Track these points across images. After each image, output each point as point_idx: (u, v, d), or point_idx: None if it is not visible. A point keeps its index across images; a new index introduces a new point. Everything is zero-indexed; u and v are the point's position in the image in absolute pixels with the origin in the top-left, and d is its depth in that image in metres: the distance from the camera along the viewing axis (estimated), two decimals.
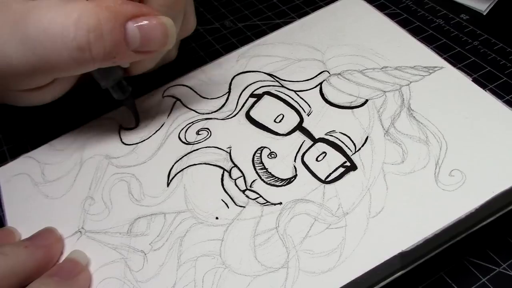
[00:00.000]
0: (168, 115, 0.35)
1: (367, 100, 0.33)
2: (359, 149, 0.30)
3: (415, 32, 0.42)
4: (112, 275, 0.28)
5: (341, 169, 0.30)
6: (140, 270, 0.28)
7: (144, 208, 0.30)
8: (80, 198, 0.32)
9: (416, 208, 0.27)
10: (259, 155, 0.31)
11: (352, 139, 0.31)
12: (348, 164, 0.30)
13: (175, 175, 0.31)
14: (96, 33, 0.27)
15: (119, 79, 0.33)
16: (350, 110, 0.32)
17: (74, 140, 0.35)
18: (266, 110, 0.34)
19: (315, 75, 0.35)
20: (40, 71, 0.28)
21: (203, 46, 0.45)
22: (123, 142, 0.34)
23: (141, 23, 0.28)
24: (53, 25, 0.27)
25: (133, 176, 0.32)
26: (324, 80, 0.35)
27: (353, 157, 0.30)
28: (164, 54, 0.35)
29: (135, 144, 0.34)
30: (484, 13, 0.43)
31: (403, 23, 0.43)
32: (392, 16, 0.42)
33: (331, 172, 0.30)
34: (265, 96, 0.35)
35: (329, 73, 0.35)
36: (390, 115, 0.31)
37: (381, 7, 0.45)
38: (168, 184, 0.31)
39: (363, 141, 0.31)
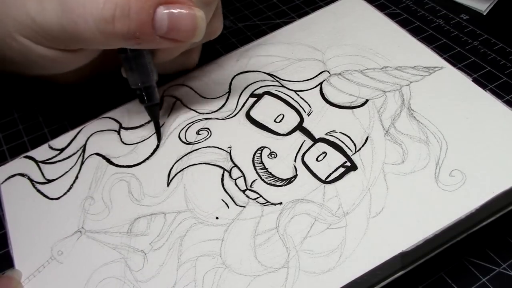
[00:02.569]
0: (168, 115, 0.35)
1: (367, 100, 0.33)
2: (360, 149, 0.30)
3: (415, 32, 0.42)
4: (112, 274, 0.28)
5: (342, 169, 0.30)
6: (140, 270, 0.28)
7: (144, 208, 0.30)
8: (80, 198, 0.31)
9: (417, 208, 0.27)
10: (259, 155, 0.31)
11: (353, 139, 0.31)
12: (348, 164, 0.30)
13: (175, 175, 0.31)
14: (123, 9, 0.27)
15: (150, 83, 0.33)
16: (350, 110, 0.32)
17: (74, 140, 0.35)
18: (266, 110, 0.34)
19: (315, 75, 0.35)
20: (69, 34, 0.29)
21: (203, 46, 0.45)
22: (123, 142, 0.34)
23: (172, 10, 0.28)
24: None
25: (133, 176, 0.32)
26: (324, 80, 0.35)
27: (353, 157, 0.30)
28: (185, 59, 0.35)
29: (135, 144, 0.34)
30: (484, 13, 0.43)
31: (403, 23, 0.43)
32: (392, 16, 0.42)
33: (331, 172, 0.30)
34: (265, 96, 0.35)
35: (329, 73, 0.35)
36: (390, 115, 0.31)
37: (381, 7, 0.45)
38: (168, 184, 0.31)
39: (364, 141, 0.31)
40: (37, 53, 0.31)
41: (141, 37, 0.28)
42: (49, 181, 0.33)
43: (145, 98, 0.33)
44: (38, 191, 0.32)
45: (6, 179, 0.33)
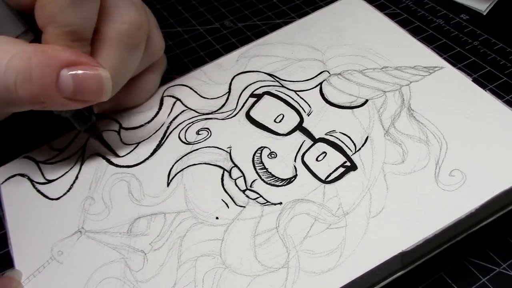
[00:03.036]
0: (168, 115, 0.35)
1: (367, 100, 0.33)
2: (359, 149, 0.30)
3: (415, 32, 0.42)
4: (112, 275, 0.28)
5: (341, 169, 0.30)
6: (140, 270, 0.28)
7: (144, 208, 0.30)
8: (80, 198, 0.31)
9: (416, 208, 0.27)
10: (259, 155, 0.31)
11: (352, 139, 0.31)
12: (348, 164, 0.30)
13: (175, 175, 0.31)
14: (24, 76, 0.26)
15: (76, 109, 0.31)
16: (350, 110, 0.32)
17: (73, 140, 0.35)
18: (266, 110, 0.34)
19: (315, 75, 0.35)
20: None
21: (203, 46, 0.45)
22: (123, 142, 0.34)
23: (76, 72, 0.27)
24: None
25: (133, 176, 0.32)
26: (324, 80, 0.35)
27: (353, 157, 0.30)
28: (153, 53, 0.34)
29: (135, 144, 0.34)
30: (484, 13, 0.43)
31: (403, 23, 0.43)
32: (392, 16, 0.42)
33: (331, 172, 0.30)
34: (265, 96, 0.35)
35: (329, 73, 0.35)
36: (390, 115, 0.31)
37: (381, 7, 0.45)
38: (168, 184, 0.31)
39: (363, 141, 0.31)
40: None
41: (46, 101, 0.27)
42: (49, 181, 0.33)
43: (81, 121, 0.32)
44: (38, 191, 0.32)
45: (6, 179, 0.33)
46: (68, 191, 0.32)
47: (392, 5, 0.46)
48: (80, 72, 0.27)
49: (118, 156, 0.33)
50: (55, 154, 0.34)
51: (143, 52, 0.33)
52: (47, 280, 0.28)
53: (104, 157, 0.33)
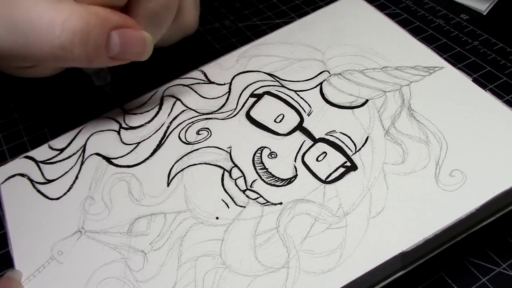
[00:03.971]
0: (168, 115, 0.35)
1: (367, 100, 0.33)
2: (360, 149, 0.30)
3: (415, 32, 0.42)
4: (112, 275, 0.28)
5: (342, 169, 0.30)
6: (141, 270, 0.28)
7: (144, 208, 0.30)
8: (80, 198, 0.31)
9: (417, 208, 0.27)
10: (259, 155, 0.31)
11: (353, 139, 0.31)
12: (348, 164, 0.30)
13: (175, 175, 0.31)
14: (82, 37, 0.28)
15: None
16: (350, 110, 0.32)
17: (74, 140, 0.35)
18: (266, 110, 0.34)
19: (315, 75, 0.35)
20: (20, 57, 0.29)
21: (203, 46, 0.45)
22: (123, 142, 0.34)
23: (123, 34, 0.29)
24: (40, 19, 0.27)
25: (133, 176, 0.32)
26: (324, 80, 0.35)
27: (353, 157, 0.30)
28: (184, 26, 0.36)
29: (135, 143, 0.34)
30: (484, 13, 0.43)
31: (403, 23, 0.43)
32: (392, 16, 0.42)
33: (331, 172, 0.30)
34: (265, 96, 0.35)
35: (329, 73, 0.35)
36: (391, 115, 0.31)
37: (381, 7, 0.45)
38: (168, 184, 0.31)
39: (364, 141, 0.31)
40: (7, 68, 0.32)
41: (95, 59, 0.29)
42: (49, 181, 0.33)
43: (101, 79, 0.36)
44: (38, 191, 0.32)
45: (6, 179, 0.33)
46: (68, 191, 0.32)
47: (392, 5, 0.46)
48: (127, 33, 0.30)
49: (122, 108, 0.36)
50: (55, 154, 0.34)
51: (174, 26, 0.34)
52: (47, 280, 0.28)
53: (104, 157, 0.33)
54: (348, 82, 0.34)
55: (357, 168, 0.29)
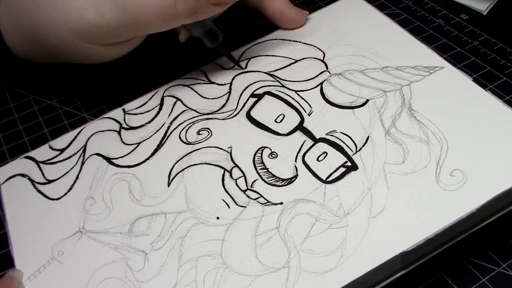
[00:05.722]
0: (169, 115, 0.35)
1: (368, 100, 0.33)
2: (360, 149, 0.30)
3: (415, 32, 0.43)
4: (112, 275, 0.28)
5: (342, 169, 0.30)
6: (141, 270, 0.28)
7: (144, 208, 0.30)
8: (80, 198, 0.31)
9: (417, 208, 0.27)
10: (259, 155, 0.31)
11: (353, 139, 0.31)
12: (349, 164, 0.30)
13: (176, 175, 0.31)
14: None
15: (209, 26, 0.36)
16: (351, 110, 0.32)
17: (74, 140, 0.35)
18: (266, 110, 0.34)
19: (315, 75, 0.35)
20: (129, 28, 0.32)
21: (203, 46, 0.45)
22: (123, 142, 0.34)
23: None
24: None
25: (134, 176, 0.32)
26: (324, 80, 0.35)
27: (354, 157, 0.30)
28: None
29: (135, 144, 0.34)
30: (484, 13, 0.43)
31: (403, 23, 0.43)
32: (392, 16, 0.42)
33: (332, 172, 0.30)
34: (266, 96, 0.35)
35: (329, 73, 0.35)
36: (391, 115, 0.31)
37: (381, 7, 0.46)
38: (168, 184, 0.31)
39: (364, 141, 0.31)
40: (95, 50, 0.35)
41: (199, 10, 0.31)
42: (50, 181, 0.33)
43: (211, 40, 0.36)
44: (39, 191, 0.32)
45: (6, 180, 0.33)
46: (68, 191, 0.32)
47: (392, 5, 0.46)
48: None
49: (242, 68, 0.37)
50: (56, 154, 0.34)
51: None
52: (47, 280, 0.28)
53: (104, 157, 0.33)
54: (348, 82, 0.34)
55: (357, 168, 0.29)
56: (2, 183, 0.33)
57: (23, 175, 0.33)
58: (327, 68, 0.35)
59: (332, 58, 0.36)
